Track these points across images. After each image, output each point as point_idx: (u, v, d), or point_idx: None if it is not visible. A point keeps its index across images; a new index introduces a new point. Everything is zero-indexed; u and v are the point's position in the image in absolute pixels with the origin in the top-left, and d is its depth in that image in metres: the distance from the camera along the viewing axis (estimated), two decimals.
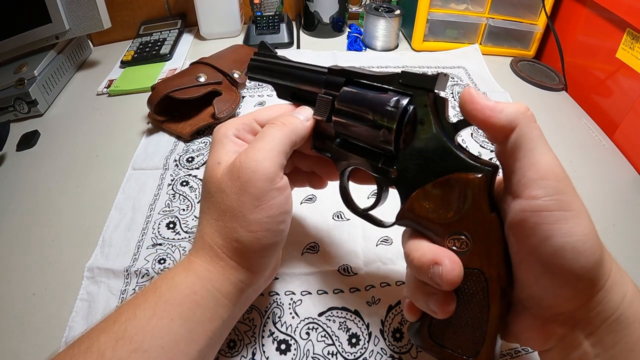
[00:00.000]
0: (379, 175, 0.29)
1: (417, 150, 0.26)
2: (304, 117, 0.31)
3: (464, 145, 0.56)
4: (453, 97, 0.66)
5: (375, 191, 0.48)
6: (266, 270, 0.31)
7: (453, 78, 0.71)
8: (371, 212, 0.32)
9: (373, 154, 0.29)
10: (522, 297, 0.24)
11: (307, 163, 0.36)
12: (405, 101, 0.26)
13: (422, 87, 0.26)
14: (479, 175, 0.23)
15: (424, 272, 0.24)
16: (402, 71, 0.27)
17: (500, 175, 0.26)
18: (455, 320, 0.25)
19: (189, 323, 0.26)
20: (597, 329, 0.22)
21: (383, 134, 0.27)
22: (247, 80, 0.68)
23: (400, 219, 0.28)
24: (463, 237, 0.24)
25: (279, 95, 0.35)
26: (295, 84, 0.33)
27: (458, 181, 0.24)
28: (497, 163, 0.24)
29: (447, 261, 0.23)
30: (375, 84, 0.28)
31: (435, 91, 0.26)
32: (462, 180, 0.24)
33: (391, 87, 0.27)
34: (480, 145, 0.56)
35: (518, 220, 0.22)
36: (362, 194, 0.48)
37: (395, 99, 0.26)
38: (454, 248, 0.24)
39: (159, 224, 0.45)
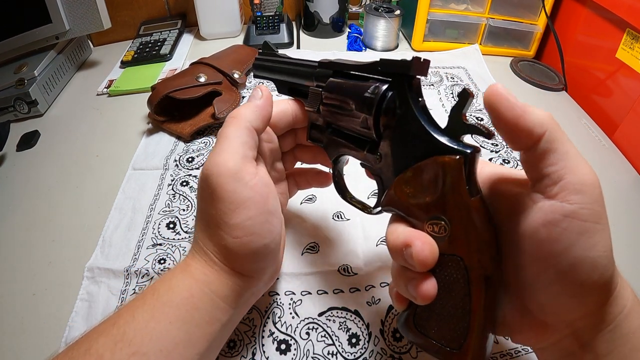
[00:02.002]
0: (366, 162, 0.29)
1: (397, 136, 0.26)
2: (256, 97, 0.31)
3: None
4: (453, 97, 0.66)
5: (376, 191, 0.49)
6: (263, 274, 0.30)
7: (453, 78, 0.71)
8: (362, 200, 0.33)
9: (359, 141, 0.29)
10: (525, 298, 0.24)
11: (308, 155, 0.36)
12: (383, 87, 0.26)
13: (400, 72, 0.26)
14: (457, 157, 0.23)
15: (399, 256, 0.24)
16: (380, 58, 0.27)
17: (500, 169, 0.26)
18: (438, 310, 0.24)
19: (187, 326, 0.26)
20: (592, 339, 0.22)
21: (363, 121, 0.27)
22: (247, 81, 0.68)
23: (384, 205, 0.28)
24: (442, 222, 0.24)
25: (279, 91, 0.36)
26: (291, 78, 0.34)
27: (434, 164, 0.24)
28: (478, 145, 0.24)
29: (417, 242, 0.23)
30: (359, 73, 0.29)
31: (419, 77, 0.26)
32: (439, 163, 0.23)
33: (373, 75, 0.27)
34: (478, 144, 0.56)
35: (546, 221, 0.21)
36: (363, 194, 0.48)
37: (374, 85, 0.27)
38: (433, 233, 0.24)
39: (159, 224, 0.45)
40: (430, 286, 0.24)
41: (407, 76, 0.25)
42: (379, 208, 0.29)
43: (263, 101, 0.30)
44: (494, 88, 0.22)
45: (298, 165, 0.39)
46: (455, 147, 0.23)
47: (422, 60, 0.25)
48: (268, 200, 0.28)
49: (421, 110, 0.25)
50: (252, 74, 0.71)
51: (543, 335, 0.24)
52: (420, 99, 0.26)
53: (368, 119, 0.27)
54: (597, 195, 0.21)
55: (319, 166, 0.38)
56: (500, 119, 0.22)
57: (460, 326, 0.24)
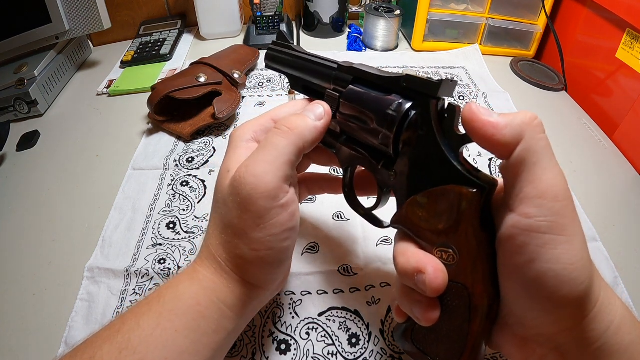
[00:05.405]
0: (379, 176, 0.29)
1: (415, 157, 0.26)
2: (315, 116, 0.29)
3: (467, 152, 0.55)
4: (453, 98, 0.66)
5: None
6: (273, 284, 0.30)
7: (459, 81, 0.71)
8: (372, 212, 0.32)
9: (375, 154, 0.28)
10: (504, 312, 0.24)
11: (323, 158, 0.34)
12: (407, 106, 0.25)
13: (425, 92, 0.25)
14: (474, 190, 0.23)
15: (408, 278, 0.24)
16: (406, 74, 0.26)
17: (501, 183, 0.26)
18: (437, 329, 0.25)
19: (194, 334, 0.25)
20: (580, 356, 0.22)
21: (383, 137, 0.26)
22: (247, 81, 0.68)
23: (394, 223, 0.28)
24: (450, 250, 0.24)
25: (292, 86, 0.35)
26: (307, 76, 0.32)
27: (452, 193, 0.23)
28: (498, 178, 0.24)
29: (430, 269, 0.23)
30: (381, 85, 0.27)
31: (444, 98, 0.25)
32: (456, 192, 0.23)
33: (397, 90, 0.26)
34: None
35: (508, 236, 0.21)
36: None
37: (397, 102, 0.26)
38: (441, 260, 0.24)
39: (159, 224, 0.45)
40: (435, 311, 0.24)
41: (433, 97, 0.24)
42: (389, 223, 0.29)
43: (323, 124, 0.29)
44: (467, 111, 0.22)
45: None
46: (475, 179, 0.23)
47: (451, 81, 0.24)
48: (294, 217, 0.27)
49: (443, 135, 0.25)
50: (252, 74, 0.72)
51: (525, 350, 0.23)
52: (442, 122, 0.25)
53: (388, 136, 0.26)
54: (560, 208, 0.20)
55: (326, 169, 0.37)
56: (476, 138, 0.22)
57: (457, 346, 0.24)
